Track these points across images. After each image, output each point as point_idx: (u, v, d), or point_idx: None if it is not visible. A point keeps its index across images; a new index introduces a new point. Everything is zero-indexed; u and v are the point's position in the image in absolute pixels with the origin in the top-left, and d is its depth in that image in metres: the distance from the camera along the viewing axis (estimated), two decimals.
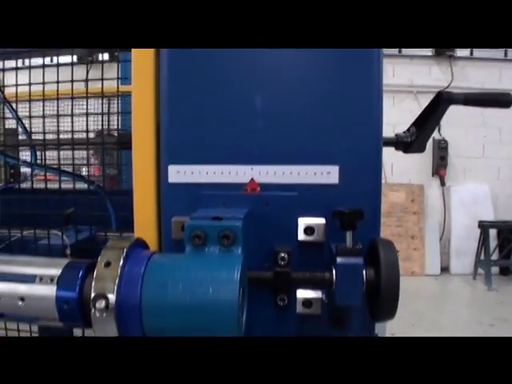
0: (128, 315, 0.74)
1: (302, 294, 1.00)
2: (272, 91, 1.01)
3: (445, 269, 6.94)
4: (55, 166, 1.67)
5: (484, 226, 6.40)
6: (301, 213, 0.99)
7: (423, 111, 1.25)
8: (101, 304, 0.72)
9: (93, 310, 0.72)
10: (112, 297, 0.72)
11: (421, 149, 1.32)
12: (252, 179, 1.01)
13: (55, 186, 1.70)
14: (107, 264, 0.75)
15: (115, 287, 0.73)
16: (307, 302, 1.00)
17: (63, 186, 1.63)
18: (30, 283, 0.80)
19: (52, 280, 0.79)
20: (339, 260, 0.88)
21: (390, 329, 4.40)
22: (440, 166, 6.92)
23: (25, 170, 2.35)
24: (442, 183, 6.99)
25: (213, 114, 1.03)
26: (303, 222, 0.98)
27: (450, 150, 6.96)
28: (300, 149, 1.02)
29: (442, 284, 6.62)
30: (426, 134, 1.27)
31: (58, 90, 1.57)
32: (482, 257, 6.47)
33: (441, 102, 1.18)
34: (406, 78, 6.68)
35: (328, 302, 1.00)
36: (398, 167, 6.70)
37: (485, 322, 5.01)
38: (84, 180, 1.67)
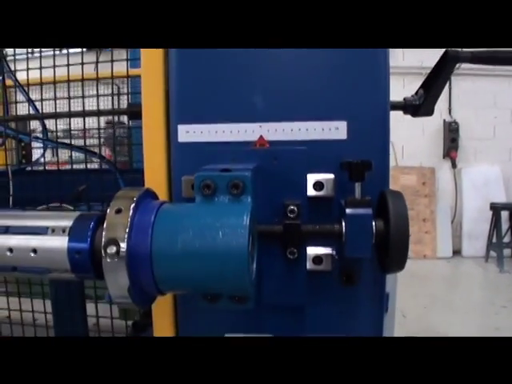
0: (139, 263, 0.75)
1: (313, 250, 1.00)
2: (280, 49, 1.01)
3: (457, 252, 6.92)
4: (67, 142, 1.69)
5: (496, 208, 6.37)
6: (309, 169, 0.99)
7: (430, 72, 1.24)
8: (112, 250, 0.72)
9: (104, 256, 0.73)
10: (123, 243, 0.73)
11: (429, 112, 1.31)
12: (261, 136, 1.01)
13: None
14: (118, 211, 0.75)
15: (126, 234, 0.73)
16: (317, 259, 1.00)
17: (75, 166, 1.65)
18: (42, 235, 0.80)
19: (64, 231, 0.80)
20: (348, 211, 0.88)
21: (403, 310, 4.43)
22: (451, 148, 6.88)
23: (36, 153, 2.38)
24: (454, 165, 6.96)
25: (221, 73, 1.03)
26: (312, 177, 0.98)
27: (460, 131, 6.91)
28: (308, 105, 1.01)
29: (453, 266, 6.60)
30: (433, 95, 1.26)
31: (68, 74, 1.59)
32: (494, 239, 6.44)
33: (447, 60, 1.17)
34: (416, 60, 6.63)
35: (338, 258, 1.00)
36: (408, 150, 6.68)
37: (497, 303, 5.00)
38: (95, 155, 1.68)
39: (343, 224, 0.89)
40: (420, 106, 1.29)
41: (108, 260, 0.73)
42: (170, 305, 1.11)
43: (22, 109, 1.86)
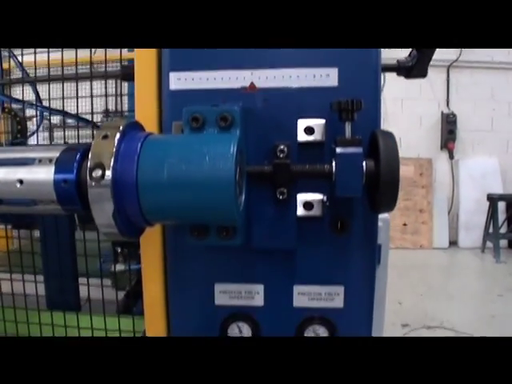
0: (124, 191, 0.74)
1: (303, 196, 0.99)
2: None
3: (453, 243, 6.92)
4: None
5: (493, 199, 6.36)
6: (300, 115, 0.98)
7: None
8: (97, 173, 0.72)
9: (89, 180, 0.72)
10: (108, 171, 0.72)
11: (422, 72, 1.30)
12: (252, 83, 1.01)
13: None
14: (105, 137, 0.75)
15: (112, 158, 0.73)
16: (308, 205, 0.99)
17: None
18: (29, 165, 0.80)
19: (50, 161, 0.80)
20: (338, 150, 0.87)
21: (399, 298, 4.42)
22: (449, 139, 6.87)
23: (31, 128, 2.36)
24: (451, 157, 6.95)
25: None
26: (303, 122, 0.98)
27: (458, 123, 6.90)
28: (299, 52, 1.00)
29: (450, 256, 6.60)
30: (426, 56, 1.25)
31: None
32: (491, 230, 6.43)
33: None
34: None
35: (329, 204, 0.99)
36: (406, 141, 6.66)
37: (494, 292, 4.99)
38: (88, 122, 1.67)
39: (333, 164, 0.88)
40: (413, 67, 1.27)
41: (93, 184, 0.72)
42: (159, 251, 1.10)
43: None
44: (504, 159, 6.94)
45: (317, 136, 0.97)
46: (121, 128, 0.76)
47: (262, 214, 0.97)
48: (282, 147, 0.92)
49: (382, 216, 1.11)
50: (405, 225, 6.69)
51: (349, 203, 1.01)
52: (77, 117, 1.64)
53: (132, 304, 1.65)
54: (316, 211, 0.99)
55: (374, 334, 1.11)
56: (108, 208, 0.74)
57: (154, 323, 1.15)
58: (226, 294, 1.07)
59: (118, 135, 0.75)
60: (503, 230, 6.49)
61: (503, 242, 6.51)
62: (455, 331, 3.95)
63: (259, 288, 1.06)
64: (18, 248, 1.68)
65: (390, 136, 0.89)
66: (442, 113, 6.93)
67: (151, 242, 1.11)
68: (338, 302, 1.06)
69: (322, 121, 0.98)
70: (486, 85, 6.89)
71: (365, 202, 0.99)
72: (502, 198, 6.44)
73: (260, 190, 0.95)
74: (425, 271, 5.73)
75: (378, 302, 1.09)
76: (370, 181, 0.88)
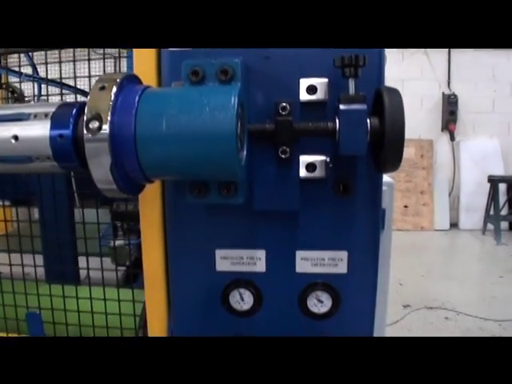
0: (122, 145, 0.72)
1: (306, 158, 0.97)
2: None
3: (454, 224, 6.92)
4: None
5: (494, 181, 6.35)
6: (303, 74, 0.95)
7: None
8: (94, 124, 0.69)
9: (86, 132, 0.70)
10: (106, 118, 0.70)
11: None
12: None
13: None
14: (102, 88, 0.72)
15: (109, 110, 0.70)
16: (311, 166, 0.97)
17: None
18: (24, 121, 0.77)
19: (46, 116, 0.77)
20: (342, 107, 0.85)
21: (400, 279, 4.42)
22: (450, 120, 6.85)
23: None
24: (452, 138, 6.93)
25: None
26: (305, 81, 0.95)
27: (459, 104, 6.87)
28: None
29: (451, 238, 6.61)
30: None
31: None
32: (492, 212, 6.42)
33: None
34: None
35: (333, 165, 0.97)
36: (407, 123, 6.56)
37: (494, 273, 5.00)
38: (85, 94, 1.64)
39: (337, 121, 0.86)
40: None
41: (90, 136, 0.70)
42: (159, 217, 1.09)
43: None
44: (505, 141, 6.93)
45: (319, 95, 0.95)
46: (118, 80, 0.74)
47: (263, 174, 0.94)
48: (284, 104, 0.89)
49: (386, 180, 1.09)
50: (406, 207, 6.68)
51: (352, 164, 0.98)
52: (74, 88, 1.62)
53: (131, 278, 1.63)
54: (319, 173, 0.97)
55: (378, 300, 1.09)
56: (106, 162, 0.72)
57: (154, 291, 1.13)
58: (227, 260, 1.05)
59: (114, 88, 0.72)
60: (504, 211, 6.49)
61: (504, 224, 6.52)
62: (456, 312, 3.95)
63: (261, 253, 1.04)
64: (16, 228, 1.65)
65: (395, 92, 0.86)
66: (443, 94, 6.89)
67: (151, 208, 1.09)
68: (342, 268, 1.04)
69: (325, 80, 0.95)
70: (487, 65, 6.85)
71: (369, 163, 0.97)
72: (502, 179, 6.43)
73: (262, 150, 0.92)
74: (426, 253, 5.74)
75: (381, 269, 1.07)
76: (375, 139, 0.85)
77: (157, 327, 1.15)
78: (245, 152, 0.78)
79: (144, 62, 1.03)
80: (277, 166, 0.93)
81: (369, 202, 1.02)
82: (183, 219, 1.05)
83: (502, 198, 6.48)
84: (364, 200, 1.01)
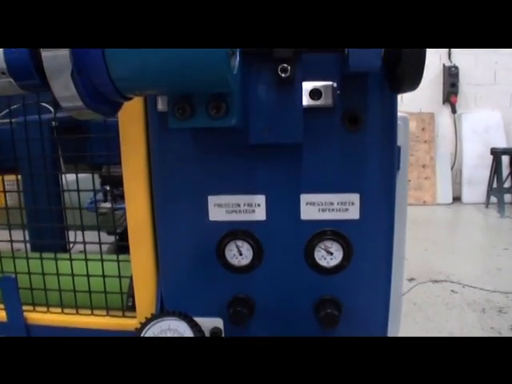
0: (87, 53, 0.58)
1: (310, 84, 0.83)
2: None
3: (456, 198, 6.84)
4: None
5: (496, 153, 6.25)
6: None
7: None
8: None
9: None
10: None
11: None
12: None
13: None
14: None
15: None
16: (315, 92, 0.83)
17: None
18: None
19: None
20: None
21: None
22: (451, 93, 6.72)
23: None
24: (453, 111, 6.80)
25: None
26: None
27: (460, 76, 6.73)
28: None
29: (454, 212, 6.52)
30: None
31: None
32: (495, 185, 6.33)
33: None
34: None
35: (340, 93, 0.83)
36: (408, 95, 6.47)
37: (498, 246, 4.92)
38: None
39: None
40: None
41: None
42: (143, 160, 0.95)
43: None
44: (507, 113, 6.82)
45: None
46: None
47: (261, 101, 0.80)
48: None
49: (401, 115, 0.95)
50: (408, 181, 6.57)
51: (363, 90, 0.85)
52: None
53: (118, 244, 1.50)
54: (325, 100, 0.83)
55: (395, 253, 0.96)
56: (66, 72, 0.58)
57: (139, 248, 1.00)
58: (221, 208, 0.92)
59: None
60: (507, 184, 6.39)
61: (507, 197, 6.41)
62: (462, 284, 3.87)
63: (260, 199, 0.91)
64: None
65: None
66: (444, 66, 6.76)
67: (134, 152, 0.96)
68: (353, 213, 0.91)
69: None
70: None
71: (382, 90, 0.84)
72: (505, 151, 6.33)
73: (259, 70, 0.78)
74: (429, 227, 5.64)
75: (397, 215, 0.94)
76: (390, 54, 0.72)
77: (144, 290, 1.03)
78: (237, 60, 0.65)
79: None
80: (276, 90, 0.79)
81: (382, 137, 0.89)
82: (170, 161, 0.92)
83: (505, 170, 6.37)
84: (377, 134, 0.88)
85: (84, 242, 1.14)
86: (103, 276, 1.08)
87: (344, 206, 0.90)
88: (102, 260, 1.10)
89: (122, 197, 1.76)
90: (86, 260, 1.10)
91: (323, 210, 0.91)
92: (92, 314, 1.12)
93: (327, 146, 0.88)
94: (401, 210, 0.98)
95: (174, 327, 0.78)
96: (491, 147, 6.35)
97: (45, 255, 1.16)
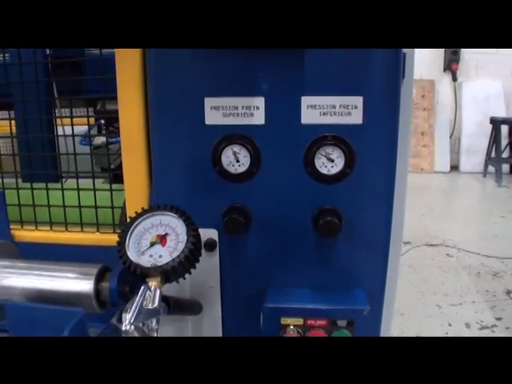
0: None
1: None
2: None
3: (454, 167, 6.83)
4: None
5: (495, 122, 6.21)
6: None
7: None
8: None
9: None
10: None
11: None
12: None
13: None
14: None
15: None
16: None
17: None
18: None
19: None
20: None
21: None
22: (452, 60, 6.65)
23: None
24: (454, 78, 6.73)
25: None
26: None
27: None
28: None
29: (451, 180, 6.52)
30: None
31: None
32: (493, 155, 6.30)
33: None
34: None
35: None
36: None
37: (495, 213, 4.94)
38: None
39: None
40: None
41: None
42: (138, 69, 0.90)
43: None
44: (508, 83, 6.78)
45: None
46: None
47: None
48: None
49: None
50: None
51: None
52: None
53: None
54: None
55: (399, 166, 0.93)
56: None
57: (133, 155, 0.96)
58: (218, 111, 0.88)
59: None
60: (505, 154, 6.37)
61: (505, 167, 6.41)
62: (458, 249, 3.87)
63: (259, 101, 0.87)
64: None
65: None
66: None
67: (129, 61, 0.91)
68: (356, 117, 0.86)
69: None
70: None
71: None
72: (504, 121, 6.29)
73: None
74: (426, 193, 5.64)
75: (402, 124, 0.90)
76: None
77: (137, 202, 0.98)
78: None
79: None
80: None
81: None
82: (165, 61, 0.87)
83: (504, 140, 6.34)
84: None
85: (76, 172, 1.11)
86: (94, 190, 1.05)
87: (347, 110, 0.86)
88: (93, 177, 1.06)
89: (116, 133, 1.72)
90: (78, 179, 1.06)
91: (325, 114, 0.86)
92: (82, 231, 1.08)
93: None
94: (405, 116, 0.94)
95: (165, 222, 0.74)
96: (491, 116, 6.30)
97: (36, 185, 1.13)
